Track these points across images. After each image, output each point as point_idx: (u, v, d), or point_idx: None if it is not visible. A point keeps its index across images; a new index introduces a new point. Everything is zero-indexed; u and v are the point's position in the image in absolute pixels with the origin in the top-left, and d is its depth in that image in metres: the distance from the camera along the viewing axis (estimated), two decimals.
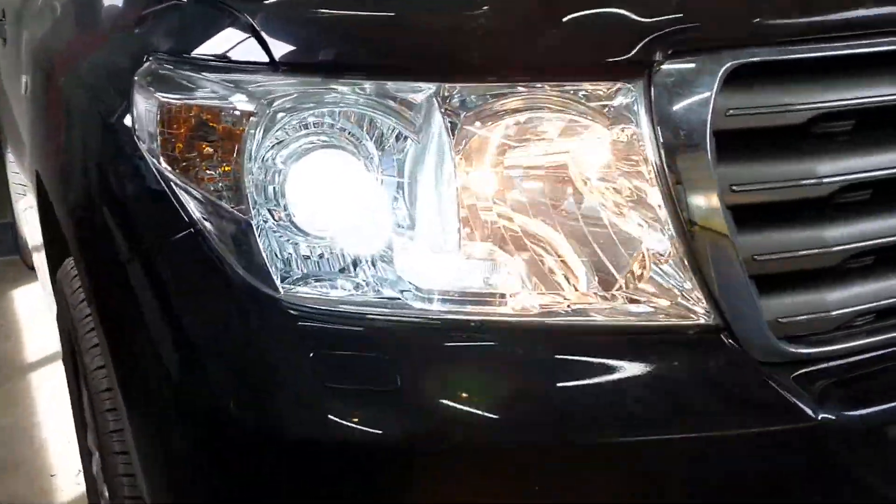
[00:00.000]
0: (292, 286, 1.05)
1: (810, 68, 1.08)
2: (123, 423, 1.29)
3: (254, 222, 1.05)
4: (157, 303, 1.14)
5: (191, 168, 1.10)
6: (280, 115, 1.05)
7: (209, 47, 1.14)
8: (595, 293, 1.08)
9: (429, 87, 1.05)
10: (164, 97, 1.11)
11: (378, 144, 1.07)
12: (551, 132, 1.06)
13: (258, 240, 1.05)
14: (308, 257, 1.07)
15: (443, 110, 1.04)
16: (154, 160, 1.12)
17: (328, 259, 1.07)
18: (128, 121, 1.20)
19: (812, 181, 1.06)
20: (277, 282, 1.05)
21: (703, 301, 1.06)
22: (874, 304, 1.15)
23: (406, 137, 1.06)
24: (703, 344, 1.07)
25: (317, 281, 1.07)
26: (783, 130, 1.08)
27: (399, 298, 1.06)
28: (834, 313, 1.12)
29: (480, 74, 1.05)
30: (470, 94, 1.05)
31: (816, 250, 1.09)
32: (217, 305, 1.09)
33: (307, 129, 1.06)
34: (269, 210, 1.06)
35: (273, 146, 1.05)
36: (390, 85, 1.05)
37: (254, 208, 1.05)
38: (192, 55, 1.15)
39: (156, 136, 1.11)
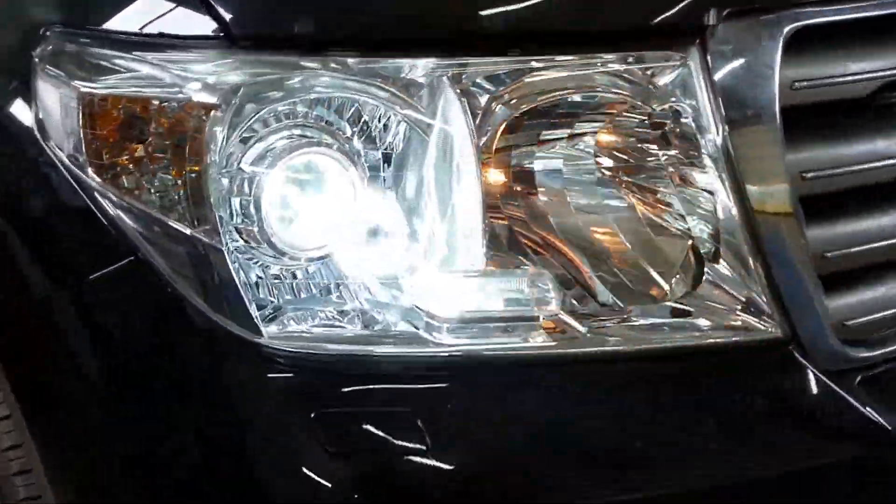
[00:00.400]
0: (276, 325, 0.82)
1: (875, 30, 0.92)
2: (42, 491, 1.03)
3: (224, 246, 0.81)
4: (91, 354, 0.89)
5: (129, 179, 0.84)
6: (249, 106, 0.80)
7: (135, 17, 0.88)
8: (640, 308, 0.90)
9: (437, 65, 0.83)
10: (86, 87, 0.84)
11: (373, 139, 0.84)
12: (590, 115, 0.87)
13: (231, 268, 0.81)
14: (294, 288, 0.84)
15: (457, 92, 0.82)
16: (76, 169, 0.85)
17: (320, 288, 0.84)
18: (25, 117, 0.92)
19: (888, 162, 0.91)
20: (258, 321, 0.81)
21: (769, 308, 0.89)
22: None
23: (409, 128, 0.84)
24: (771, 360, 0.90)
25: (306, 317, 0.84)
26: (845, 104, 0.92)
27: (412, 332, 0.84)
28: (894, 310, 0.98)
29: (502, 47, 0.84)
30: (489, 71, 0.84)
31: (887, 242, 0.94)
32: (174, 355, 0.85)
33: (281, 122, 0.83)
34: (240, 229, 0.82)
35: (242, 147, 0.81)
36: (388, 63, 0.83)
37: (222, 227, 0.81)
38: (111, 28, 0.89)
39: (78, 139, 0.85)
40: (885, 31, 0.92)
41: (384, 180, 0.85)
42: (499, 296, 0.86)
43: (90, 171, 0.84)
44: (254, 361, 0.81)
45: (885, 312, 0.97)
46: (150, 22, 0.86)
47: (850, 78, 0.90)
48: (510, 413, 0.84)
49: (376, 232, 0.85)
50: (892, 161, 0.92)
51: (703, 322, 0.90)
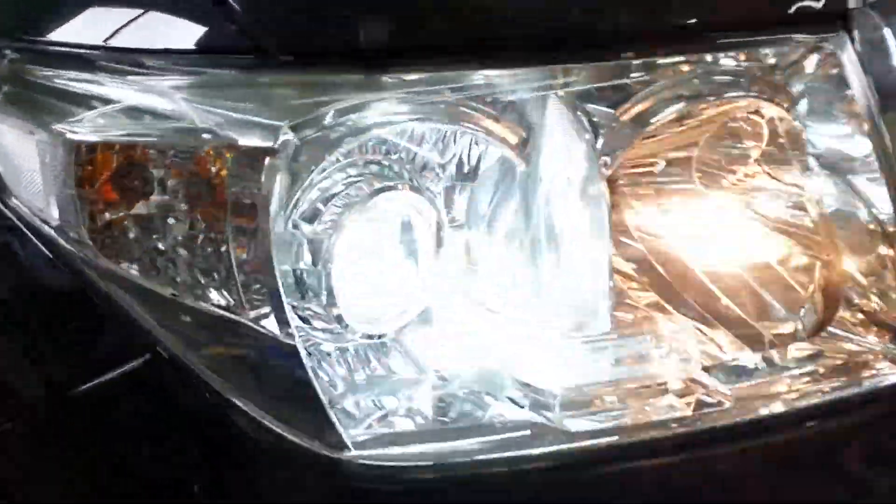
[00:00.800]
0: (365, 435, 0.62)
1: None
2: None
3: (293, 334, 0.60)
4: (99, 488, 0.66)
5: (142, 252, 0.62)
6: (311, 150, 0.59)
7: (122, 28, 0.65)
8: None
9: (537, 75, 0.64)
10: (75, 131, 0.61)
11: (461, 174, 0.65)
12: (720, 125, 0.70)
13: (305, 363, 0.60)
14: (371, 377, 0.64)
15: (570, 109, 0.64)
16: (63, 241, 0.63)
17: (412, 377, 0.65)
18: None
19: None
20: (342, 432, 0.61)
21: None
22: None
23: (506, 159, 0.65)
24: None
25: (388, 414, 0.64)
26: None
27: (524, 419, 0.66)
28: None
29: (615, 48, 0.66)
30: (605, 80, 0.65)
31: None
32: (221, 485, 0.63)
33: (342, 161, 0.62)
34: (303, 307, 0.61)
35: (302, 200, 0.60)
36: (475, 76, 0.63)
37: (288, 309, 0.60)
38: (90, 42, 0.66)
39: (68, 202, 0.62)
40: None
41: (476, 225, 0.66)
42: (627, 361, 0.68)
43: (88, 243, 0.61)
44: (339, 486, 0.61)
45: None
46: (144, 33, 0.64)
47: None
48: None
49: (471, 292, 0.67)
50: None
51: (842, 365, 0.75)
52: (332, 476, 0.61)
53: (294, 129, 0.58)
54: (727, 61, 0.69)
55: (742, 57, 0.70)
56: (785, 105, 0.71)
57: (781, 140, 0.75)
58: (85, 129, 0.61)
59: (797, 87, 0.72)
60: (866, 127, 0.70)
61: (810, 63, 0.70)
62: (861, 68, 0.70)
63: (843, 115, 0.71)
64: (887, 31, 0.71)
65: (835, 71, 0.70)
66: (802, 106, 0.73)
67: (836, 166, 0.73)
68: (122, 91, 0.63)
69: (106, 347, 0.64)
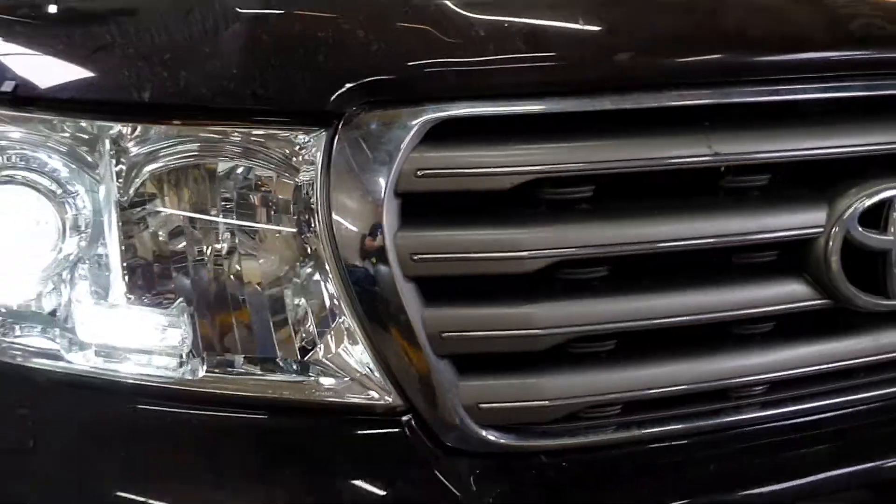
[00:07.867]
0: None
1: (529, 125, 0.96)
2: None
3: None
4: None
5: None
6: None
7: None
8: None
9: (100, 128, 0.97)
10: None
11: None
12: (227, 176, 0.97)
13: None
14: None
15: (112, 152, 0.96)
16: None
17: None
18: None
19: (514, 254, 0.95)
20: None
21: (384, 379, 0.96)
22: (610, 395, 1.03)
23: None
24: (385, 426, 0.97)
25: None
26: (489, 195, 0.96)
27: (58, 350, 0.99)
28: (553, 402, 1.00)
29: (150, 114, 0.96)
30: (136, 135, 0.96)
31: (520, 332, 0.97)
32: None
33: None
34: None
35: None
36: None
37: None
38: None
39: None
40: (546, 125, 0.96)
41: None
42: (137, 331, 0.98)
43: None
44: None
45: (537, 402, 0.99)
46: None
47: (485, 170, 0.94)
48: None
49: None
50: (526, 254, 0.95)
51: (331, 383, 0.98)
52: None
53: None
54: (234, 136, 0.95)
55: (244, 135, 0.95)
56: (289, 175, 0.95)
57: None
58: None
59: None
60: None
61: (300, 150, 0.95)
62: (327, 162, 0.93)
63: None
64: (369, 133, 0.93)
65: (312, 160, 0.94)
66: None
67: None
68: None
69: None
